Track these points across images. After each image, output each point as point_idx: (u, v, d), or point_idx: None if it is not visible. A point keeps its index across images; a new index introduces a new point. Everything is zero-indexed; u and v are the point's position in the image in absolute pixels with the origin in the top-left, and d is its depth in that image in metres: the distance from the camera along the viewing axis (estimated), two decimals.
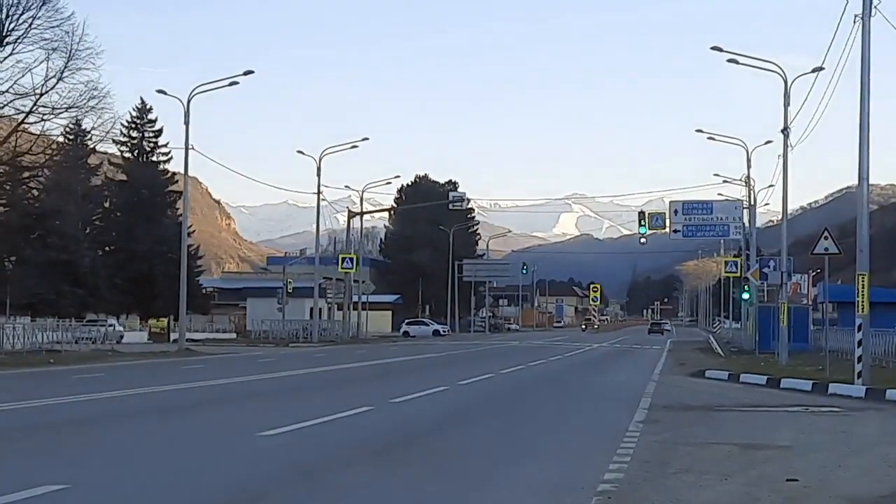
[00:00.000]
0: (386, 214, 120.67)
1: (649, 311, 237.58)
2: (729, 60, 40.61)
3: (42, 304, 59.91)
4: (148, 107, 75.15)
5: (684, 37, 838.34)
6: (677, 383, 26.40)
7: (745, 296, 56.74)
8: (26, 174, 52.99)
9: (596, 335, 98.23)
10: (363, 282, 78.52)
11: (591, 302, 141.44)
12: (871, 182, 24.93)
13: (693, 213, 56.22)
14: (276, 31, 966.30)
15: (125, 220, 72.95)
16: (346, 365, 35.06)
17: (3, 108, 45.59)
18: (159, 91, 50.94)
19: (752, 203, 56.89)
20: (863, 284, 23.33)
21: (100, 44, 48.35)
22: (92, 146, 59.71)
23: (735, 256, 72.72)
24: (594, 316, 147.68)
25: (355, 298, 74.34)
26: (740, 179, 58.98)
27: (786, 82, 38.06)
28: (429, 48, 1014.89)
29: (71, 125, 56.13)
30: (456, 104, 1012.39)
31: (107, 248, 74.38)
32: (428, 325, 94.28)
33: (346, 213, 76.01)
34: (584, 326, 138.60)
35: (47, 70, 44.82)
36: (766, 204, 69.36)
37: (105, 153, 68.45)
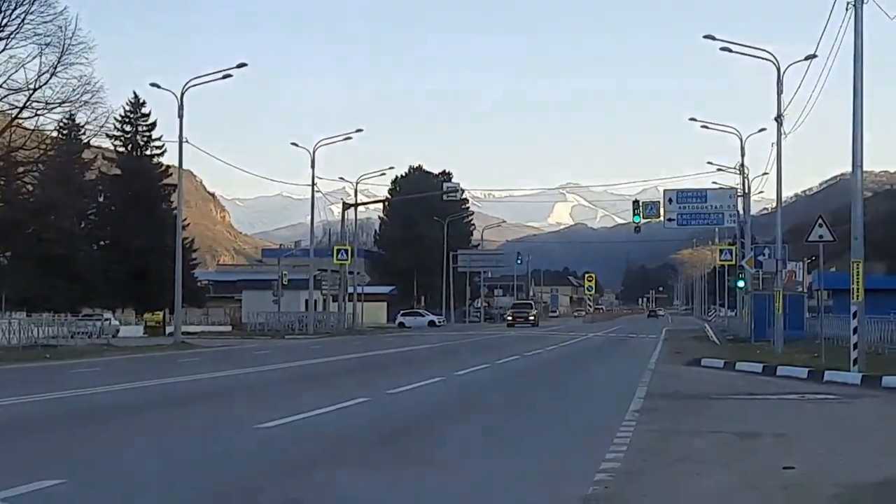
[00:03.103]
0: (380, 206, 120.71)
1: (645, 299, 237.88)
2: (722, 49, 40.57)
3: (37, 298, 59.89)
4: (141, 101, 75.15)
5: (677, 25, 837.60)
6: (673, 372, 26.40)
7: (741, 284, 56.77)
8: (20, 169, 53.03)
9: (591, 325, 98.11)
10: (358, 273, 78.56)
11: (587, 291, 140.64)
12: (864, 169, 24.94)
13: (687, 202, 56.19)
14: (268, 24, 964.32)
15: (120, 215, 72.92)
16: (342, 356, 35.09)
17: None
18: (153, 84, 50.90)
19: (747, 191, 56.92)
20: (857, 271, 23.37)
21: (93, 38, 48.05)
22: (86, 140, 59.78)
23: (730, 244, 72.77)
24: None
25: (350, 290, 74.35)
26: (734, 167, 59.04)
27: (779, 70, 38.03)
28: (421, 39, 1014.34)
29: (65, 120, 56.06)
30: (449, 95, 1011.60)
31: (102, 243, 74.40)
32: (423, 315, 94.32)
33: (340, 205, 76.04)
34: (510, 319, 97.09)
35: (40, 65, 44.94)
36: (761, 192, 69.25)
37: (99, 147, 68.58)
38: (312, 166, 66.24)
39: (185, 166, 52.54)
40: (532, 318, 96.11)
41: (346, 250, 68.42)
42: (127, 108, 74.23)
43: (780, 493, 9.08)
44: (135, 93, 75.47)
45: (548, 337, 57.71)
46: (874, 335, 30.59)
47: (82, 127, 55.14)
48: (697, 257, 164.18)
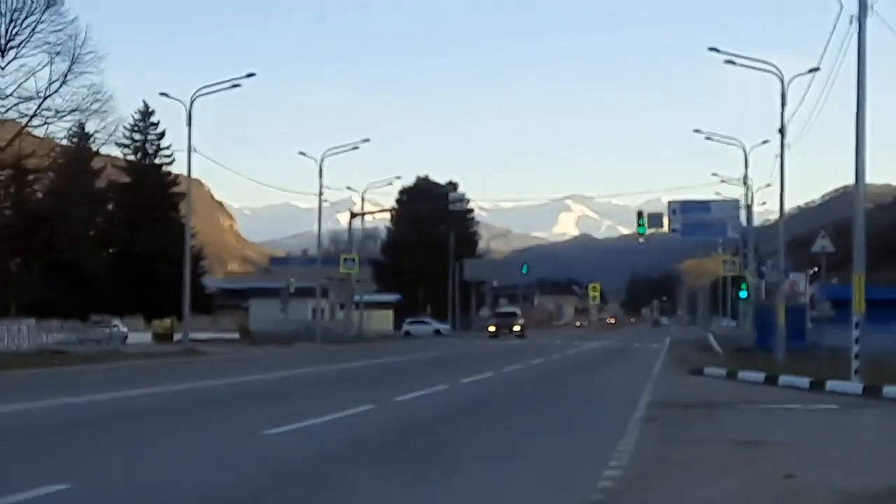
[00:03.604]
0: (387, 215, 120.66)
1: (649, 309, 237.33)
2: (726, 61, 40.70)
3: (47, 305, 59.99)
4: (150, 109, 75.28)
5: (682, 38, 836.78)
6: (676, 381, 26.51)
7: (743, 294, 56.89)
8: (31, 177, 53.42)
9: (595, 333, 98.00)
10: (364, 282, 78.64)
11: (591, 301, 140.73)
12: (867, 181, 25.07)
13: (691, 213, 56.28)
14: (277, 34, 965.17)
15: (129, 222, 73.04)
16: (349, 364, 35.18)
17: (7, 111, 45.96)
18: (162, 94, 51.09)
19: (750, 202, 57.03)
20: (859, 283, 23.53)
21: (103, 47, 48.44)
22: (95, 149, 60.06)
23: (733, 255, 72.87)
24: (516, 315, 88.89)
25: (357, 298, 74.49)
26: (738, 179, 59.14)
27: (782, 82, 38.20)
28: (428, 49, 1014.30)
29: (74, 128, 56.42)
30: (456, 105, 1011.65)
31: (111, 250, 74.55)
32: (429, 324, 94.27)
33: (347, 214, 76.17)
34: (492, 329, 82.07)
35: (51, 74, 45.28)
36: (764, 203, 69.42)
37: (108, 156, 68.86)
38: (320, 175, 66.46)
39: (193, 175, 52.67)
40: (517, 328, 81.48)
41: (353, 259, 68.53)
42: (136, 116, 74.42)
43: (781, 502, 9.15)
44: (144, 102, 75.66)
45: (551, 346, 57.78)
46: (875, 346, 30.73)
47: (92, 135, 55.51)
48: (701, 268, 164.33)
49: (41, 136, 48.95)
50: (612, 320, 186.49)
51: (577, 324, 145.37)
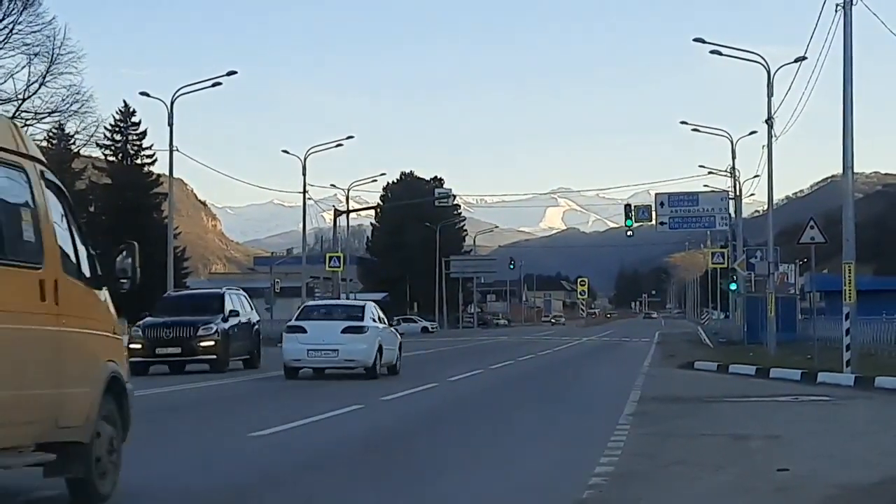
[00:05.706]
0: (372, 212, 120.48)
1: (638, 303, 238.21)
2: (712, 52, 40.76)
3: None
4: (131, 109, 74.91)
5: (667, 28, 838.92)
6: (666, 375, 26.45)
7: (733, 287, 56.84)
8: None
9: (584, 329, 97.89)
10: (351, 280, 78.45)
11: (580, 296, 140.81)
12: (855, 171, 25.02)
13: (679, 206, 56.31)
14: (257, 33, 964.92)
15: (110, 224, 72.66)
16: None
17: None
18: (142, 93, 50.73)
19: (738, 194, 57.03)
20: (849, 273, 23.40)
21: (81, 47, 48.04)
22: (76, 150, 59.75)
23: (722, 247, 72.87)
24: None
25: (343, 297, 74.24)
26: (725, 170, 59.14)
27: (769, 72, 38.15)
28: (411, 44, 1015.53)
29: (54, 129, 56.10)
30: (440, 100, 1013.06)
31: (92, 253, 74.29)
32: (416, 322, 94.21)
33: (332, 212, 75.92)
34: (137, 347, 28.67)
35: (29, 75, 44.99)
36: (752, 194, 69.58)
37: (89, 157, 68.49)
38: (304, 173, 66.19)
39: (175, 175, 52.25)
40: (208, 344, 29.52)
41: (339, 257, 68.27)
42: (117, 117, 74.05)
43: (774, 496, 9.08)
44: (125, 102, 75.24)
45: (540, 342, 57.71)
46: (866, 336, 30.64)
47: (72, 136, 55.26)
48: (690, 261, 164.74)
49: None
50: (599, 315, 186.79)
51: (553, 321, 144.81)
